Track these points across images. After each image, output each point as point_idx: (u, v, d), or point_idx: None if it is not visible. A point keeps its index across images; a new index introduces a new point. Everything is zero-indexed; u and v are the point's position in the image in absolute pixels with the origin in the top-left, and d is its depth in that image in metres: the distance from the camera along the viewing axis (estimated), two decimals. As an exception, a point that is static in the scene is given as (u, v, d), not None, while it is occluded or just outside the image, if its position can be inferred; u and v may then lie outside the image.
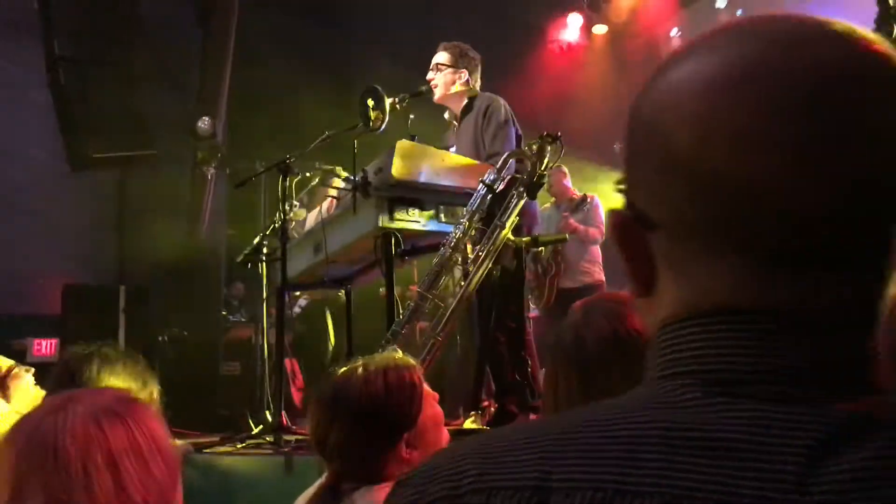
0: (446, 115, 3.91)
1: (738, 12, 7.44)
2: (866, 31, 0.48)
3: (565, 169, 5.41)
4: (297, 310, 4.52)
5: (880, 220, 0.45)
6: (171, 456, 0.98)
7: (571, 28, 8.27)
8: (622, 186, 0.54)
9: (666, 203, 0.49)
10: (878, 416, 0.43)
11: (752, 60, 0.47)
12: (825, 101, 0.45)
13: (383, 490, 1.47)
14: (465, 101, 3.71)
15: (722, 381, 0.46)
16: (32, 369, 2.32)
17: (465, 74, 3.71)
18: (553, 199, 5.53)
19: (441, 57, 3.73)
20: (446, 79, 3.69)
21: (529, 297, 5.52)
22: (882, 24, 1.81)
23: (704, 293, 0.48)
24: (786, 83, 0.45)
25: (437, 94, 3.71)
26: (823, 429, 0.42)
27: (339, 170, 4.01)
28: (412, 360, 1.64)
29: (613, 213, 0.54)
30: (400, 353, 1.73)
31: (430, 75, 3.74)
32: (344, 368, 1.57)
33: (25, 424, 0.94)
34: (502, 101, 3.63)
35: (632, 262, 0.53)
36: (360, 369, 1.53)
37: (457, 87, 3.70)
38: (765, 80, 0.46)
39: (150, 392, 1.63)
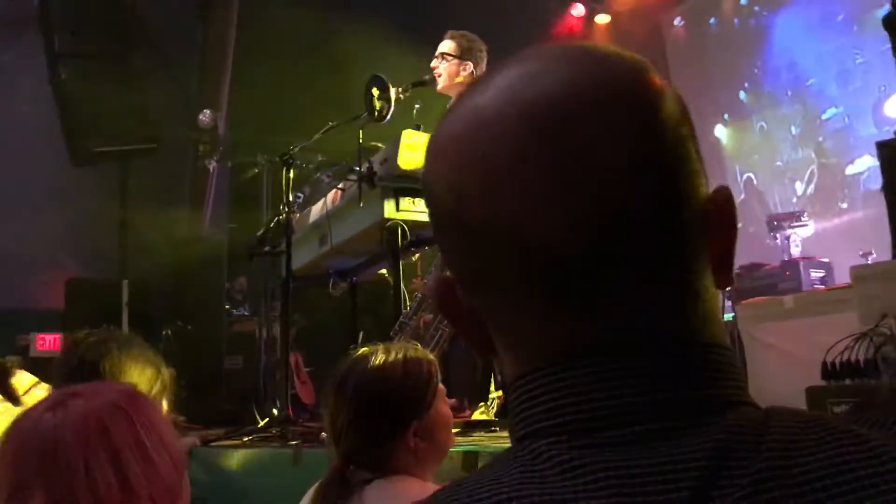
0: (448, 106, 3.88)
1: (743, 1, 7.40)
2: (593, 50, 0.47)
3: None
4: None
5: (651, 238, 0.44)
6: (177, 451, 0.96)
7: (574, 17, 8.23)
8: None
9: (460, 262, 0.49)
10: (743, 443, 0.41)
11: (483, 108, 0.47)
12: (551, 140, 0.44)
13: (395, 482, 1.46)
14: None
15: (577, 432, 0.43)
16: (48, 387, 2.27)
17: (469, 66, 3.69)
18: None
19: (446, 46, 3.70)
20: (451, 69, 3.65)
21: None
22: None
23: (528, 345, 0.47)
24: (511, 126, 0.45)
25: (441, 83, 3.68)
26: (694, 473, 0.40)
27: (343, 161, 3.99)
28: (428, 355, 1.63)
29: (432, 277, 0.54)
30: (418, 346, 1.71)
31: (434, 63, 3.71)
32: (362, 350, 1.55)
33: (25, 422, 0.91)
34: None
35: (464, 328, 0.51)
36: (379, 352, 1.52)
37: (460, 78, 3.67)
38: (492, 125, 0.45)
39: (165, 376, 1.60)
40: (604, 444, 0.42)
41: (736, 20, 7.53)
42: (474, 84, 0.50)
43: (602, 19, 8.20)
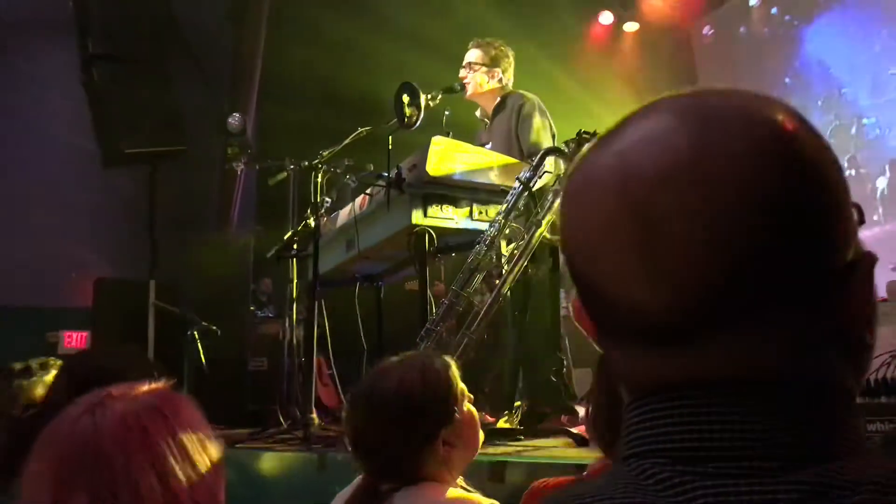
0: (478, 114, 3.89)
1: (773, 10, 7.34)
2: (702, 121, 0.48)
3: None
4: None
5: (719, 309, 0.46)
6: (216, 449, 0.94)
7: (602, 25, 8.20)
8: None
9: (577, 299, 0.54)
10: (842, 482, 0.42)
11: (593, 170, 0.50)
12: (637, 207, 0.46)
13: (424, 489, 1.46)
14: (498, 99, 3.69)
15: (682, 459, 0.46)
16: None
17: (498, 73, 3.70)
18: None
19: (473, 55, 3.71)
20: (479, 78, 3.67)
21: (564, 292, 5.50)
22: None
23: (625, 377, 0.52)
24: (611, 195, 0.47)
25: (469, 91, 3.69)
26: (793, 498, 0.42)
27: (370, 167, 4.00)
28: (447, 358, 1.63)
29: (573, 301, 0.57)
30: (430, 352, 1.71)
31: (462, 73, 3.72)
32: (379, 366, 1.56)
33: (62, 425, 0.89)
34: (536, 99, 3.61)
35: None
36: (395, 366, 1.52)
37: (489, 87, 3.68)
38: (586, 190, 0.50)
39: None
40: (708, 473, 0.44)
41: (766, 29, 7.47)
42: (606, 136, 0.53)
43: (630, 27, 8.17)
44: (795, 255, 0.45)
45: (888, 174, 6.26)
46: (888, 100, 6.32)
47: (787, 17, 7.23)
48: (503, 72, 3.72)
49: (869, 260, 0.49)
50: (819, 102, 6.85)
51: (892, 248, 5.34)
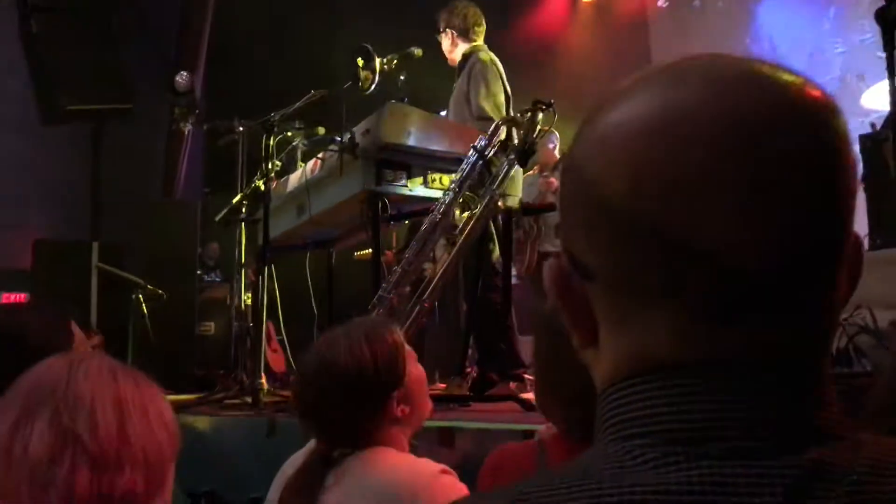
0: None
1: (726, -16, 7.40)
2: (792, 73, 0.47)
3: (556, 134, 5.36)
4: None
5: (820, 269, 0.45)
6: (174, 430, 0.97)
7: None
8: (560, 234, 0.53)
9: (600, 252, 0.48)
10: (836, 463, 0.43)
11: (684, 104, 0.45)
12: (763, 151, 0.43)
13: (377, 454, 1.47)
14: (459, 59, 3.70)
15: (676, 440, 0.44)
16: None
17: (451, 33, 3.71)
18: (536, 166, 5.50)
19: (439, 23, 3.75)
20: (444, 45, 3.71)
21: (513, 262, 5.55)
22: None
23: (645, 347, 0.47)
24: (711, 132, 0.44)
25: (450, 59, 3.78)
26: (788, 481, 0.42)
27: (321, 130, 3.95)
28: (389, 322, 1.64)
29: (552, 261, 0.52)
30: (372, 319, 1.72)
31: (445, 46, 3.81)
32: (325, 337, 1.56)
33: (40, 365, 0.95)
34: (489, 59, 3.60)
35: (572, 313, 0.51)
36: (342, 334, 1.53)
37: (452, 50, 3.71)
38: (698, 125, 0.44)
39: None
40: (700, 454, 0.43)
41: (719, 3, 7.55)
42: (663, 70, 0.49)
43: (586, -3, 8.16)
44: (847, 230, 0.46)
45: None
46: (832, 78, 6.47)
47: (740, -9, 7.32)
48: (457, 31, 3.73)
49: (859, 241, 0.49)
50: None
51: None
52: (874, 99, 5.24)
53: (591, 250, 0.48)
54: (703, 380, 0.45)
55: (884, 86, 1.81)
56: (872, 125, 3.61)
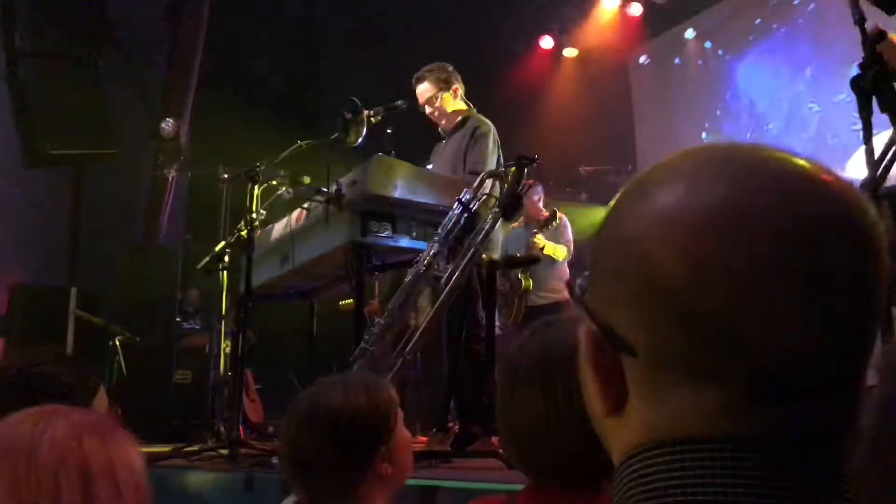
0: (441, 130, 3.89)
1: (707, 44, 7.59)
2: (829, 170, 0.50)
3: (540, 188, 5.42)
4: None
5: (857, 361, 0.49)
6: (145, 489, 0.95)
7: (543, 49, 8.35)
8: (588, 300, 0.53)
9: (647, 330, 0.49)
10: None
11: (745, 203, 0.48)
12: (805, 255, 0.46)
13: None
14: (459, 118, 3.72)
15: None
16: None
17: (456, 87, 3.73)
18: (522, 218, 5.54)
19: (424, 88, 3.73)
20: (446, 101, 3.70)
21: (499, 313, 5.55)
22: (868, 68, 1.83)
23: (677, 420, 0.48)
24: (769, 231, 0.46)
25: (442, 121, 3.75)
26: None
27: (306, 179, 3.95)
28: (385, 380, 1.63)
29: (588, 333, 0.53)
30: (368, 373, 1.71)
31: (428, 110, 3.76)
32: (320, 382, 1.54)
33: (4, 426, 0.91)
34: (492, 126, 3.64)
35: (603, 382, 0.52)
36: (338, 382, 1.52)
37: (455, 105, 3.73)
38: (750, 225, 0.47)
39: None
40: None
41: (699, 62, 7.72)
42: (725, 154, 0.51)
43: (570, 52, 8.33)
44: (878, 326, 0.50)
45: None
46: (809, 136, 6.60)
47: (720, 52, 7.49)
48: (456, 95, 3.76)
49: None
50: (748, 135, 7.10)
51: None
52: (856, 167, 5.35)
53: (638, 327, 0.49)
54: (732, 454, 0.46)
55: (861, 153, 1.85)
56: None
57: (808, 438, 0.47)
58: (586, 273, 0.57)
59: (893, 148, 1.96)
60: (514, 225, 5.43)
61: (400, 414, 1.55)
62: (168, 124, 6.10)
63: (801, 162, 0.50)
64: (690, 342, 0.47)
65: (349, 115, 3.26)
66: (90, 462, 0.88)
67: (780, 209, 0.47)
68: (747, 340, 0.46)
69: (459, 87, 3.76)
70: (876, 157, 1.92)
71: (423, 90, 3.74)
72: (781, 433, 0.47)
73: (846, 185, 0.50)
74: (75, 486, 0.86)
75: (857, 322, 0.48)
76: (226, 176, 4.45)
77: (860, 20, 1.83)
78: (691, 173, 0.51)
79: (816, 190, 0.48)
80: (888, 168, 2.01)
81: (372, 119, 3.38)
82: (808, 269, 0.46)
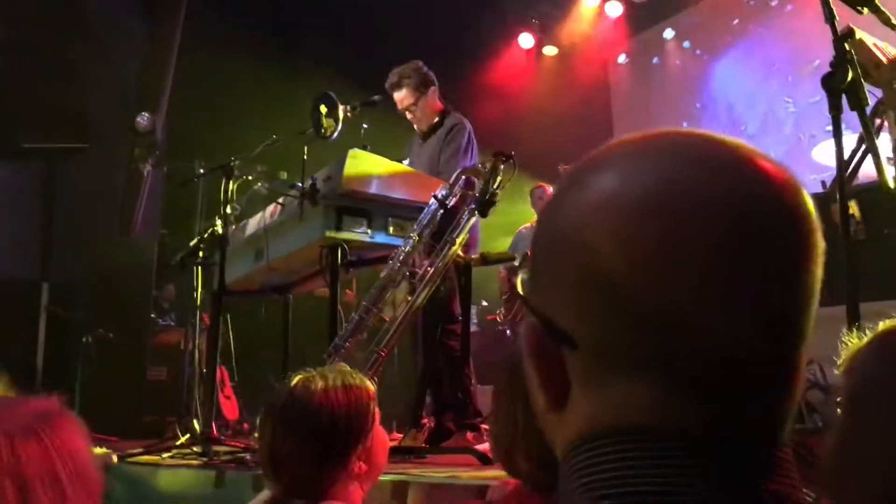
0: (416, 127, 3.87)
1: (686, 44, 7.64)
2: (763, 154, 0.49)
3: (549, 189, 5.46)
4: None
5: (785, 349, 0.48)
6: (93, 480, 0.90)
7: (522, 48, 8.35)
8: (528, 295, 0.53)
9: (587, 321, 0.48)
10: None
11: (677, 187, 0.47)
12: (745, 238, 0.46)
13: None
14: (437, 118, 3.71)
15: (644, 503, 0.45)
16: None
17: (432, 87, 3.71)
18: (534, 219, 5.59)
19: (403, 94, 3.70)
20: (429, 103, 3.69)
21: (500, 309, 5.57)
22: (839, 67, 1.85)
23: (620, 412, 0.48)
24: (709, 215, 0.46)
25: (423, 123, 3.72)
26: None
27: (283, 175, 3.93)
28: (366, 379, 1.61)
29: (529, 327, 0.52)
30: (348, 368, 1.69)
31: (408, 115, 3.73)
32: (299, 379, 1.52)
33: None
34: (468, 126, 3.63)
35: (544, 375, 0.51)
36: (318, 380, 1.50)
37: (434, 102, 3.72)
38: (690, 209, 0.46)
39: None
40: None
41: (678, 61, 7.77)
42: (653, 141, 0.50)
43: (549, 51, 8.35)
44: (813, 313, 0.50)
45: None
46: (785, 136, 6.66)
47: (698, 52, 7.54)
48: (433, 94, 3.74)
49: None
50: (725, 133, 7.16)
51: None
52: (824, 154, 5.40)
53: (578, 319, 0.48)
54: (675, 443, 0.46)
55: (831, 144, 1.87)
56: (823, 183, 3.70)
57: (750, 426, 0.47)
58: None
59: (862, 147, 1.98)
60: (525, 225, 5.49)
61: (378, 413, 1.55)
62: (144, 118, 6.01)
63: (736, 145, 0.49)
64: (630, 331, 0.46)
65: (324, 110, 3.24)
66: (25, 470, 0.82)
67: (716, 193, 0.46)
68: (687, 328, 0.45)
69: (435, 85, 3.74)
70: (846, 157, 1.94)
71: (402, 97, 3.72)
72: (723, 422, 0.46)
73: (780, 167, 0.49)
74: (11, 498, 0.80)
75: (795, 304, 0.47)
76: (202, 171, 4.42)
77: (830, 17, 1.85)
78: (626, 161, 0.50)
79: (750, 173, 0.48)
80: (857, 167, 2.04)
81: (349, 114, 3.36)
82: (746, 251, 0.46)
